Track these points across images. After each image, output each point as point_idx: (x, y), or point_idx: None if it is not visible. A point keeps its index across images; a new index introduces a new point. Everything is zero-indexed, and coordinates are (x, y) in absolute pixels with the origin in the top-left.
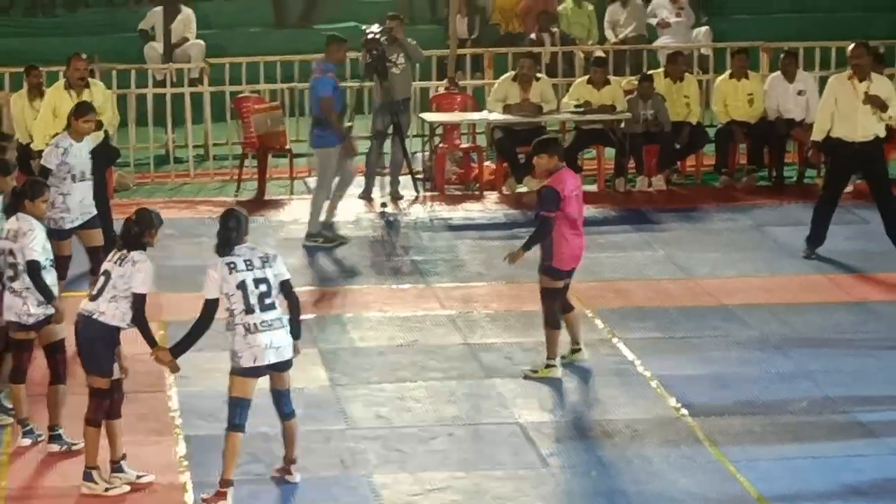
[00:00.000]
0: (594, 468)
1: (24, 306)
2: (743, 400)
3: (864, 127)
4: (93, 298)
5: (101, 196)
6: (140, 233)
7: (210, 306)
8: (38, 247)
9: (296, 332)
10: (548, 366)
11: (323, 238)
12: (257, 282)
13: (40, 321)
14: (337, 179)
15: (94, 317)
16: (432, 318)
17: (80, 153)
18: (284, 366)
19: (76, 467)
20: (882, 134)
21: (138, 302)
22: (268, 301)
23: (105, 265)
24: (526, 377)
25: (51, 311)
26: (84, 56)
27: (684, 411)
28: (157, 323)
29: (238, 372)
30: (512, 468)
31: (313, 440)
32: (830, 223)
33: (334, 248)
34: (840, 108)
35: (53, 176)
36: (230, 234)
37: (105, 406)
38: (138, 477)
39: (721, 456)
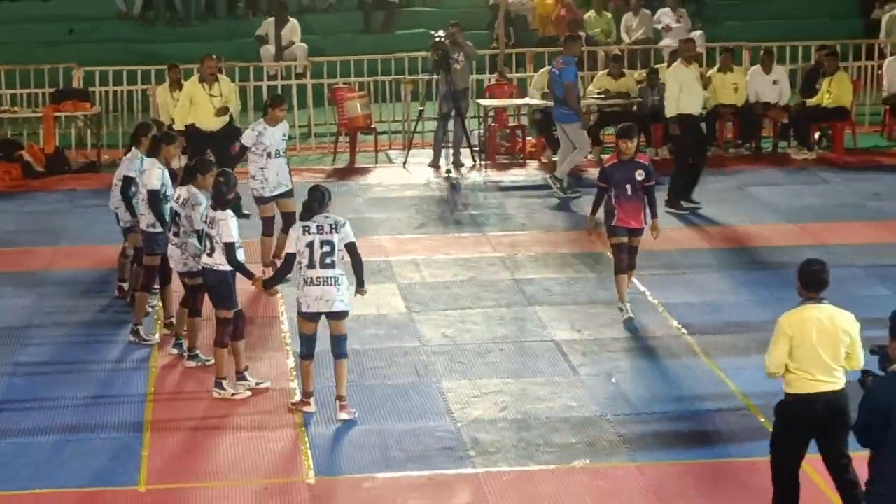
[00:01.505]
0: (614, 376)
1: (182, 256)
2: (730, 321)
3: (703, 102)
4: (209, 255)
5: (229, 163)
6: (227, 191)
7: (289, 258)
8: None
9: (360, 282)
10: None
11: (567, 187)
12: (323, 243)
13: (191, 271)
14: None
15: (214, 268)
16: (486, 259)
17: (274, 135)
18: (338, 315)
19: (209, 377)
20: None
21: (228, 248)
22: (328, 260)
23: (205, 228)
24: None
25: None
26: (214, 56)
27: (684, 331)
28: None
29: (299, 314)
30: (549, 376)
31: (394, 355)
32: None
33: (569, 199)
34: (687, 88)
35: (252, 153)
36: (313, 204)
37: (230, 331)
38: (257, 384)
39: (713, 366)
